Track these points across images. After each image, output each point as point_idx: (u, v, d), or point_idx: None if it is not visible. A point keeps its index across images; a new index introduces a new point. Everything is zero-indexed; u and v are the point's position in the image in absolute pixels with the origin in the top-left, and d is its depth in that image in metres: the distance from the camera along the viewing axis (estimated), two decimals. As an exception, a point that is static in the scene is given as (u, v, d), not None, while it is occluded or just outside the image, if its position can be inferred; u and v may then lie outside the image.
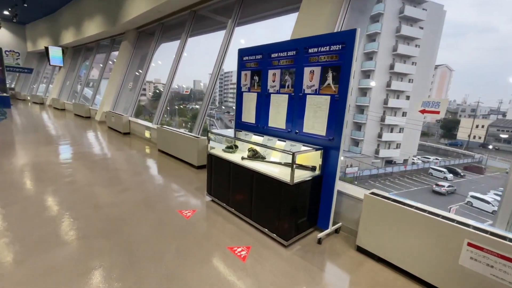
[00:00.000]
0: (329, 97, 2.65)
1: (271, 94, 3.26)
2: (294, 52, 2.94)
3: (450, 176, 19.91)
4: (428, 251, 2.07)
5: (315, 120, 2.79)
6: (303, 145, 2.82)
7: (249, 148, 3.14)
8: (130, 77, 10.13)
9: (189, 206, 3.43)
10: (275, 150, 2.84)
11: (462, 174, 20.53)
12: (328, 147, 2.70)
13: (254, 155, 3.01)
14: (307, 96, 2.85)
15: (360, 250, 2.56)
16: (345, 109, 2.53)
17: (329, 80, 2.63)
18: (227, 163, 3.20)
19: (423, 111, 2.65)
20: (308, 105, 2.84)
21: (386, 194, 2.42)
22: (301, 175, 2.61)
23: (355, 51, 2.42)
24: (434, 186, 18.04)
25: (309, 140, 2.86)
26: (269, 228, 2.76)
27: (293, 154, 2.39)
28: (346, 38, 2.46)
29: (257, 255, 2.45)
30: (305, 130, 2.91)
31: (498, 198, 11.69)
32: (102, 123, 10.01)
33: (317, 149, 2.72)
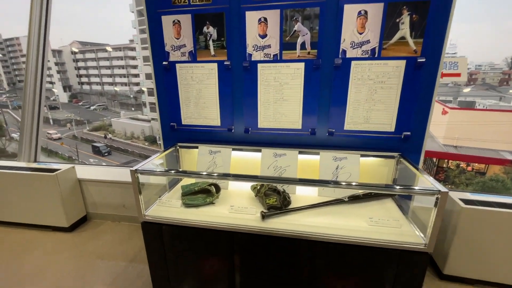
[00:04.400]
0: (403, 62, 1.47)
1: (259, 64, 1.62)
2: (315, -30, 1.42)
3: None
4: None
5: (373, 106, 1.56)
6: (361, 155, 1.57)
7: (261, 190, 1.44)
8: None
9: None
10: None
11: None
12: (402, 150, 1.60)
13: (284, 202, 1.39)
14: (353, 62, 1.51)
15: (449, 278, 1.83)
16: (435, 82, 1.47)
17: (405, 29, 1.42)
18: (221, 235, 1.38)
19: (441, 75, 2.05)
20: (356, 79, 1.53)
21: (484, 197, 1.73)
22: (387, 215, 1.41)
23: (460, -29, 1.31)
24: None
25: (359, 143, 1.63)
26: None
27: (439, 196, 1.09)
28: None
29: None
30: (348, 126, 1.62)
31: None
32: None
33: (388, 157, 1.56)
